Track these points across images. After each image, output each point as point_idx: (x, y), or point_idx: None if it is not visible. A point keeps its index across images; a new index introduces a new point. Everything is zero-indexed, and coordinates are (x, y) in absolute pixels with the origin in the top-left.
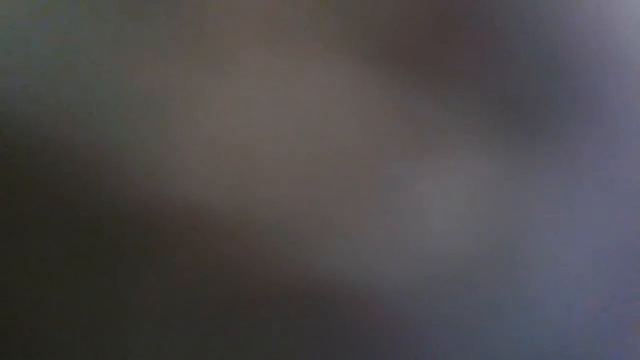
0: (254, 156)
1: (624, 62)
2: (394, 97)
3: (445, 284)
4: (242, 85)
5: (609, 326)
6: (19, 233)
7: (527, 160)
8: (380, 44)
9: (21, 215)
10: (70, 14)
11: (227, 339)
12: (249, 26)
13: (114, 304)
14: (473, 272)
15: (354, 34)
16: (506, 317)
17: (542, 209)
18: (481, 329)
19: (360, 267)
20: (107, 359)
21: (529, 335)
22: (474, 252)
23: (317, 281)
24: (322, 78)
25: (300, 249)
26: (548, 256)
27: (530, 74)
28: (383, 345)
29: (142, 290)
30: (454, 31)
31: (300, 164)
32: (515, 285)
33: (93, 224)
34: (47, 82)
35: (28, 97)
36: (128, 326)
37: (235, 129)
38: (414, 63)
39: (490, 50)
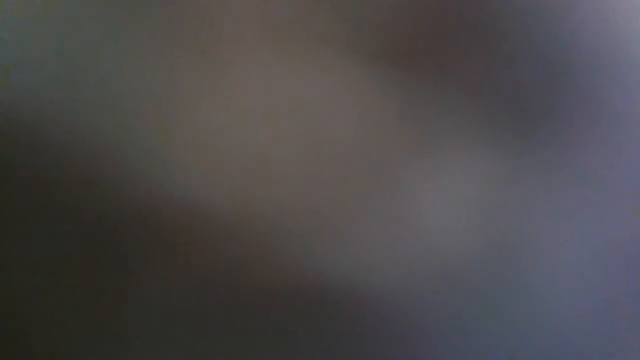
0: (254, 156)
1: (626, 63)
2: (394, 97)
3: (445, 284)
4: (242, 86)
5: (609, 324)
6: (19, 233)
7: (528, 160)
8: (380, 44)
9: (21, 215)
10: (71, 15)
11: (227, 339)
12: (249, 27)
13: (114, 303)
14: (473, 271)
15: (353, 35)
16: (507, 316)
17: (543, 209)
18: (481, 328)
19: (360, 267)
20: (107, 359)
21: (529, 334)
22: (474, 252)
23: (317, 281)
24: (322, 78)
25: (300, 249)
26: (549, 256)
27: (532, 76)
28: (383, 345)
29: (142, 290)
30: (455, 32)
31: (300, 164)
32: (515, 285)
33: (93, 224)
34: (47, 82)
35: (28, 96)
36: (128, 326)
37: (235, 129)
38: (415, 63)
39: (492, 51)
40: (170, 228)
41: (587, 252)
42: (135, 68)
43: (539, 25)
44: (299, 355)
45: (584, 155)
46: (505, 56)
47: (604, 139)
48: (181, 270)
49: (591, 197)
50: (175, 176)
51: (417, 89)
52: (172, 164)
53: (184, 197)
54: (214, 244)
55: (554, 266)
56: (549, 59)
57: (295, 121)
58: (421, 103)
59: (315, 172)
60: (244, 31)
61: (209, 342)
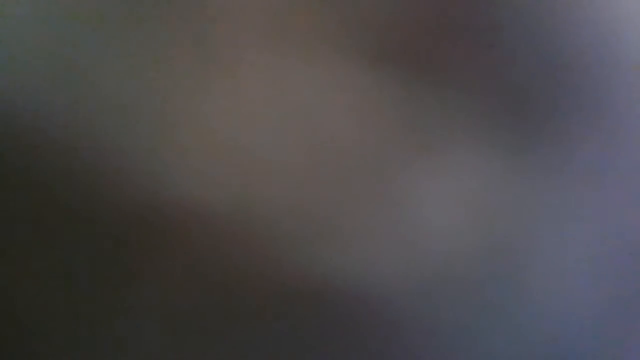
0: (255, 156)
1: (625, 62)
2: (394, 97)
3: (445, 283)
4: (242, 86)
5: (609, 325)
6: (19, 233)
7: (528, 160)
8: (380, 44)
9: (21, 216)
10: (70, 14)
11: (227, 339)
12: (249, 27)
13: (114, 304)
14: (473, 271)
15: (354, 34)
16: (506, 317)
17: (543, 209)
18: (481, 328)
19: (360, 267)
20: (107, 359)
21: (529, 335)
22: (474, 252)
23: (317, 281)
24: (322, 78)
25: (300, 249)
26: (548, 256)
27: (531, 74)
28: (383, 345)
29: (142, 290)
30: (454, 31)
31: (300, 164)
32: (515, 285)
33: (93, 224)
34: (47, 82)
35: (28, 97)
36: (128, 326)
37: (235, 129)
38: (414, 63)
39: (492, 51)
40: (170, 228)
41: (587, 252)
42: (136, 67)
43: (538, 26)
44: (299, 355)
45: (584, 154)
46: (505, 56)
47: (604, 139)
48: (181, 271)
49: (592, 196)
50: (176, 176)
51: (417, 89)
52: (173, 164)
53: (184, 197)
54: (214, 245)
55: (554, 266)
56: (549, 59)
57: (296, 121)
58: (421, 103)
59: (315, 173)
60: (245, 31)
61: (209, 342)
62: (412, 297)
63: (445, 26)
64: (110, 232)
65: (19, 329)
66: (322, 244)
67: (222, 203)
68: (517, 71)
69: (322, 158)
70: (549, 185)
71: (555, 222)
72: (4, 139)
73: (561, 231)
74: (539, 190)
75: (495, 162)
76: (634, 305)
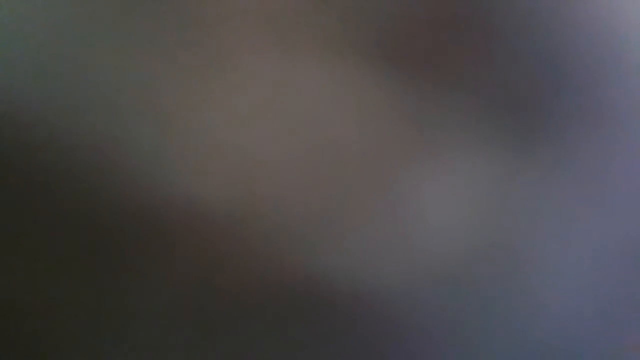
0: (254, 156)
1: (626, 62)
2: (394, 97)
3: (445, 283)
4: (243, 86)
5: (608, 325)
6: (19, 233)
7: (528, 160)
8: (380, 44)
9: (21, 215)
10: (71, 14)
11: (227, 338)
12: (250, 27)
13: (114, 303)
14: (473, 271)
15: (354, 35)
16: (506, 316)
17: (543, 209)
18: (481, 328)
19: (360, 266)
20: (108, 359)
21: (528, 334)
22: (474, 252)
23: (317, 281)
24: (322, 78)
25: (300, 249)
26: (548, 256)
27: (532, 75)
28: (383, 344)
29: (142, 290)
30: (454, 32)
31: (300, 164)
32: (515, 285)
33: (93, 224)
34: (47, 81)
35: (28, 96)
36: (128, 326)
37: (235, 129)
38: (415, 63)
39: (492, 50)
40: (170, 228)
41: (587, 252)
42: (136, 68)
43: (538, 25)
44: (299, 355)
45: (584, 154)
46: (505, 56)
47: (604, 139)
48: (181, 270)
49: (591, 196)
50: (176, 176)
51: (417, 89)
52: (173, 164)
53: (184, 197)
54: (214, 244)
55: (554, 266)
56: (548, 59)
57: (296, 121)
58: (421, 103)
59: (316, 172)
60: (246, 31)
61: (209, 342)
62: (413, 296)
63: (445, 26)
64: (110, 231)
65: (19, 329)
66: (322, 243)
67: (222, 203)
68: (517, 71)
69: (322, 158)
70: (549, 185)
71: (556, 221)
72: (3, 139)
73: (561, 231)
74: (539, 190)
75: (495, 161)
76: (634, 305)
